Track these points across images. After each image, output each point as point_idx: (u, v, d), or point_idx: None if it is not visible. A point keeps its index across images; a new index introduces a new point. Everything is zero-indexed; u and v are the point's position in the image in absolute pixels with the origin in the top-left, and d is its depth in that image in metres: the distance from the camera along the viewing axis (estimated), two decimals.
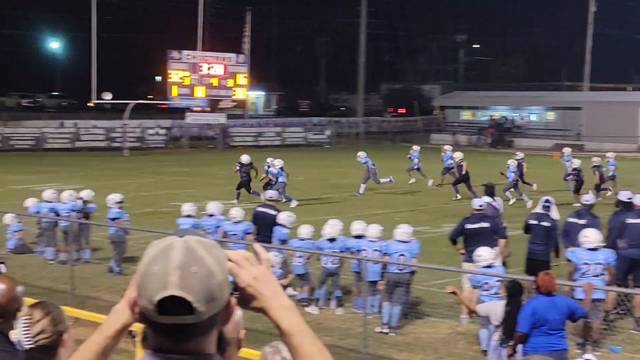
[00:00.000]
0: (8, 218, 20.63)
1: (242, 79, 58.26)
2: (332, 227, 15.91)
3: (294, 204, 28.21)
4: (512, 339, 10.47)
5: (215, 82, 56.76)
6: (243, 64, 58.66)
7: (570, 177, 30.68)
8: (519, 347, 10.32)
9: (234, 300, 2.19)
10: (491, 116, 72.83)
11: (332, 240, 15.67)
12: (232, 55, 58.64)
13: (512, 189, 30.21)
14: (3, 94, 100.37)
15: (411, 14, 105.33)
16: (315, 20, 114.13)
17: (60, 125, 59.15)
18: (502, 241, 15.64)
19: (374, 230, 15.59)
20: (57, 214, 19.73)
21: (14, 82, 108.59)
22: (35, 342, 4.33)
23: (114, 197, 19.19)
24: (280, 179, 28.85)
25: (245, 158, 30.40)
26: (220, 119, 57.89)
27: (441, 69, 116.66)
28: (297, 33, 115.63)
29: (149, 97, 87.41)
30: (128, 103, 55.52)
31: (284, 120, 75.84)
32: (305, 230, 16.22)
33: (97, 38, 50.51)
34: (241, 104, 62.87)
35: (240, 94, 58.72)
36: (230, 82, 57.48)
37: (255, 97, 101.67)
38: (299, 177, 34.83)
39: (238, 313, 3.05)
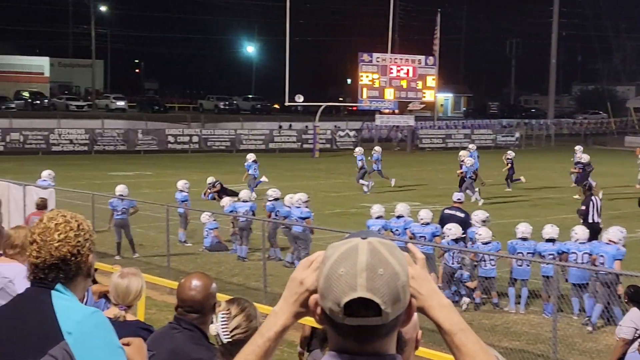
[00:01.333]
0: (205, 217, 21.45)
1: (431, 80, 58.17)
2: (486, 232, 16.03)
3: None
4: None
5: (404, 84, 56.97)
6: (432, 66, 58.56)
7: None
8: None
9: (414, 301, 2.19)
10: None
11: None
12: (422, 57, 58.63)
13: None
14: (202, 97, 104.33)
15: (605, 14, 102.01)
16: (506, 20, 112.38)
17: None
18: None
19: (582, 232, 15.33)
20: (254, 214, 20.41)
21: (212, 85, 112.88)
22: (232, 336, 4.56)
23: (301, 197, 19.66)
24: (250, 172, 31.13)
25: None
26: (409, 121, 58.06)
27: (636, 69, 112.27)
28: (486, 34, 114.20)
29: (339, 99, 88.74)
30: (319, 105, 56.56)
31: (473, 122, 75.18)
32: (486, 234, 16.08)
33: (291, 42, 51.71)
34: (430, 106, 62.83)
35: (428, 96, 58.68)
36: (419, 84, 57.53)
37: (444, 98, 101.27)
38: (487, 180, 34.49)
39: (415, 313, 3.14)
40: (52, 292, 3.36)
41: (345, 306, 2.07)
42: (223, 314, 4.61)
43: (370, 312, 2.07)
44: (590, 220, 19.59)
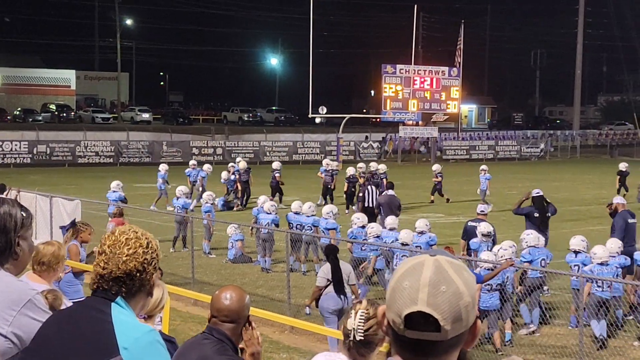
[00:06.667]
0: (230, 229, 21.50)
1: (454, 92, 58.08)
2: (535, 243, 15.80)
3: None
4: (342, 292, 12.68)
5: (428, 95, 56.91)
6: (456, 77, 58.48)
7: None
8: None
9: (479, 322, 2.24)
10: None
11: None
12: (445, 68, 58.59)
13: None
14: (226, 110, 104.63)
15: (630, 24, 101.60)
16: (530, 31, 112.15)
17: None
18: None
19: (602, 251, 15.07)
20: (277, 225, 20.40)
21: (236, 97, 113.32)
22: (365, 335, 4.70)
23: (332, 209, 19.73)
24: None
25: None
26: (432, 132, 57.98)
27: None
28: (511, 45, 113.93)
29: (363, 111, 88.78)
30: (343, 117, 56.58)
31: (497, 134, 75.00)
32: (506, 244, 15.89)
33: (314, 54, 51.81)
34: (454, 117, 62.70)
35: (452, 107, 58.57)
36: (443, 96, 57.46)
37: (468, 110, 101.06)
38: (511, 191, 34.38)
39: None
40: (113, 304, 3.37)
41: (406, 318, 2.15)
42: (363, 312, 4.75)
43: (429, 327, 2.14)
44: (366, 205, 24.93)
